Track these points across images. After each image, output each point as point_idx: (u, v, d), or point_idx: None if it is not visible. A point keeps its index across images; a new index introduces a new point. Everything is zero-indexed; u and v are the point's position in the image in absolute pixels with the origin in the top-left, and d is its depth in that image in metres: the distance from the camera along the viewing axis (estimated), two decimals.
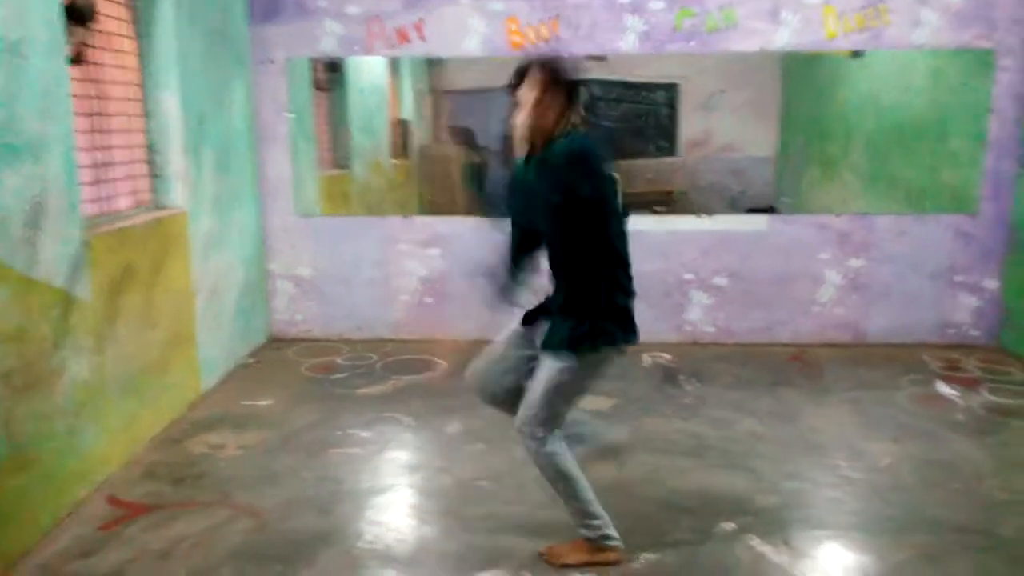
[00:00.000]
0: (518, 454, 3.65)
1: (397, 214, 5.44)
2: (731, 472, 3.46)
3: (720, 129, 6.04)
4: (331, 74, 6.14)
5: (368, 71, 6.27)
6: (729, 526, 2.99)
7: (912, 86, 5.46)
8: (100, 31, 3.71)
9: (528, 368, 2.74)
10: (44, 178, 2.97)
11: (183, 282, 4.22)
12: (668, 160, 6.57)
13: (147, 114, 4.12)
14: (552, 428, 2.65)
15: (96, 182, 3.69)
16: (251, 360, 5.05)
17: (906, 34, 4.98)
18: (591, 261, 2.54)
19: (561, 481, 2.67)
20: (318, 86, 5.92)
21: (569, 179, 2.40)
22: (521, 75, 2.53)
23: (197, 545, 2.91)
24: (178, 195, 4.23)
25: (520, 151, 2.57)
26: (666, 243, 5.22)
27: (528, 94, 2.49)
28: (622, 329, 2.60)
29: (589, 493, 2.70)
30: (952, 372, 4.76)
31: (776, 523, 3.04)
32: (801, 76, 6.58)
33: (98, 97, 3.71)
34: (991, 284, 5.21)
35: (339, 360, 5.08)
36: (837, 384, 4.59)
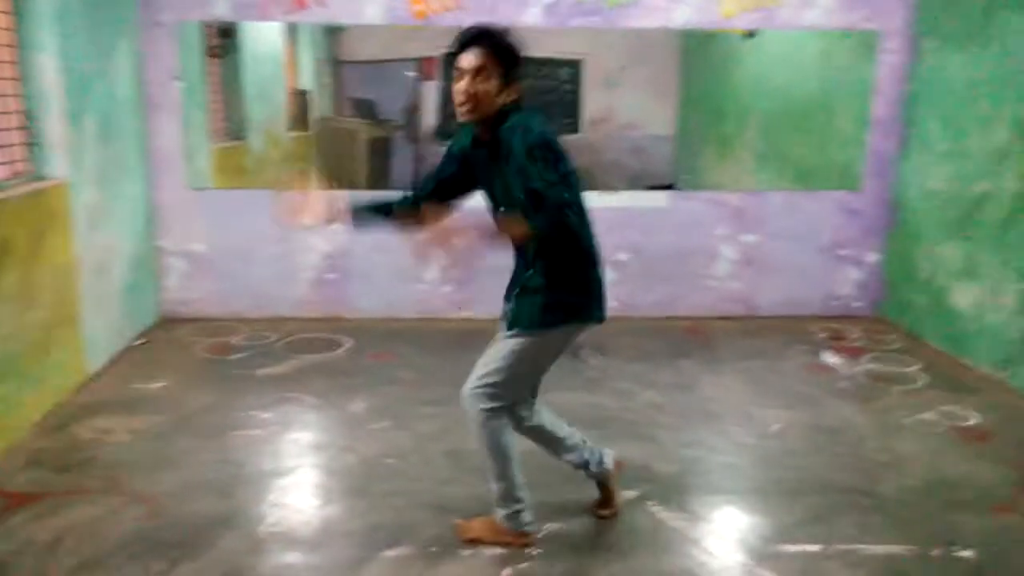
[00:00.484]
0: (423, 430, 3.65)
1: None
2: (633, 442, 3.54)
3: (622, 107, 6.11)
4: (224, 40, 5.86)
5: (264, 38, 6.03)
6: (631, 494, 3.06)
7: (802, 66, 5.66)
8: None
9: None
10: None
11: (65, 258, 3.98)
12: (571, 137, 6.61)
13: (22, 78, 3.84)
14: (504, 401, 2.57)
15: None
16: (141, 341, 4.83)
17: (798, 14, 5.16)
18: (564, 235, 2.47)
19: (499, 458, 2.60)
20: (211, 52, 5.65)
21: (534, 171, 2.29)
22: (464, 42, 2.44)
23: (87, 535, 2.77)
24: (58, 165, 3.97)
25: (464, 118, 2.46)
26: None
27: (471, 61, 2.40)
28: (597, 304, 2.58)
29: (520, 477, 2.66)
30: (837, 342, 5.02)
31: (675, 489, 3.15)
32: (698, 55, 6.71)
33: None
34: (873, 258, 5.50)
35: (237, 340, 4.91)
36: (731, 355, 4.77)
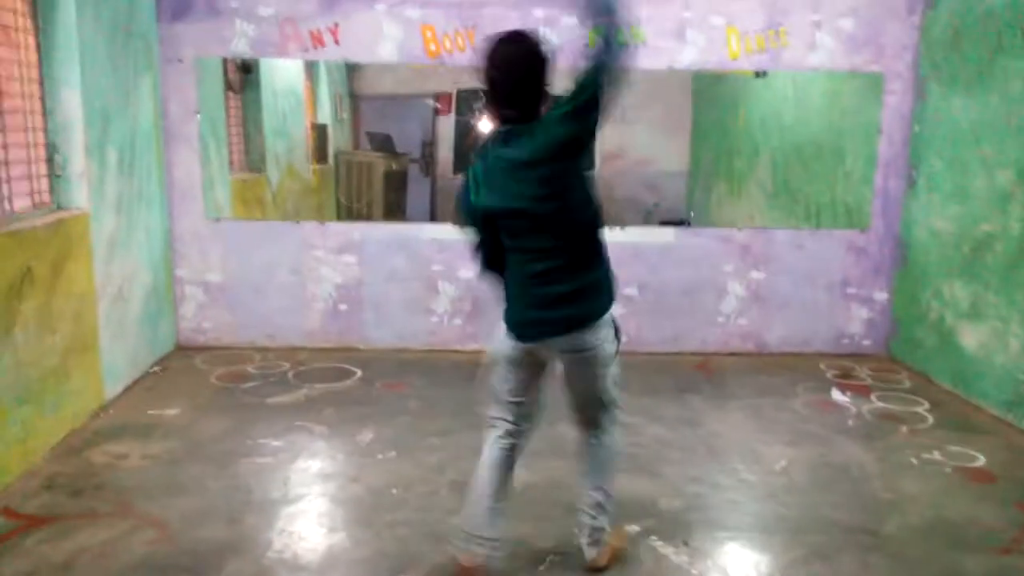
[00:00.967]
0: (430, 461, 3.70)
1: (313, 219, 5.39)
2: (637, 476, 3.57)
3: (635, 143, 6.20)
4: (244, 75, 6.02)
5: (283, 74, 6.18)
6: (633, 528, 3.09)
7: (811, 106, 5.75)
8: None
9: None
10: None
11: (85, 286, 4.08)
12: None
13: (47, 112, 3.98)
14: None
15: None
16: (156, 368, 4.91)
17: (803, 56, 5.25)
18: (596, 231, 2.51)
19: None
20: (230, 87, 5.80)
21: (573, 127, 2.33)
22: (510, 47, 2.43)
23: (98, 557, 2.83)
24: (80, 196, 4.09)
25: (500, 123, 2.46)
26: None
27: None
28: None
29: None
30: (845, 380, 5.03)
31: (678, 525, 3.17)
32: (711, 93, 6.82)
33: None
34: (881, 296, 5.53)
35: (250, 369, 4.99)
36: (739, 391, 4.79)
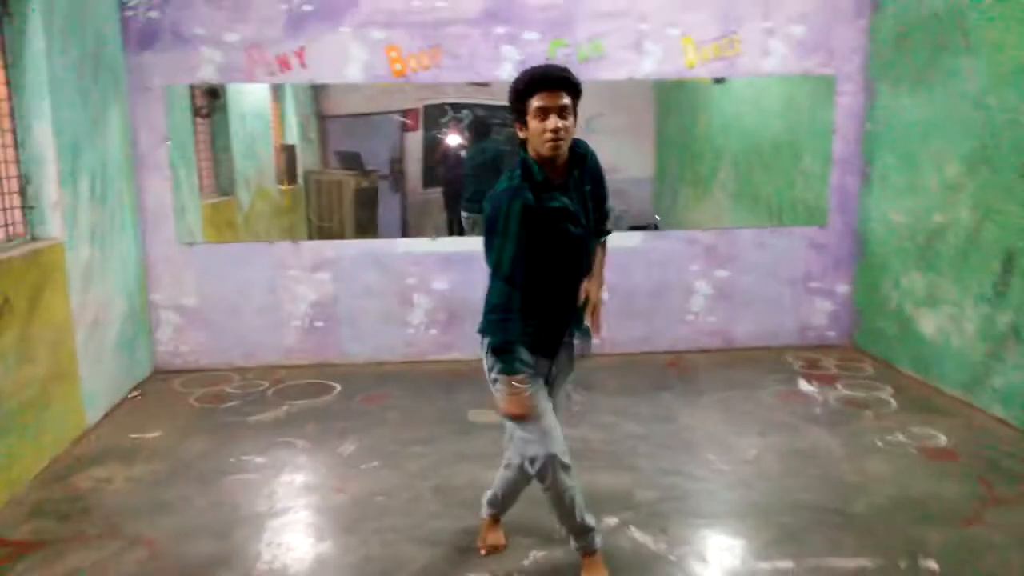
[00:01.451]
0: (412, 468, 3.78)
1: (285, 239, 5.46)
2: (614, 471, 3.68)
3: (601, 152, 6.35)
4: (212, 100, 6.09)
5: (250, 97, 6.26)
6: (612, 520, 3.20)
7: (769, 110, 5.94)
8: None
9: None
10: None
11: (62, 315, 4.12)
12: None
13: (19, 144, 4.03)
14: None
15: None
16: (135, 393, 4.94)
17: (757, 62, 5.44)
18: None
19: None
20: (198, 113, 5.87)
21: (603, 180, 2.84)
22: (552, 83, 2.53)
23: None
24: (54, 226, 4.14)
25: (552, 153, 2.55)
26: None
27: (563, 99, 2.52)
28: None
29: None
30: (811, 370, 5.19)
31: (655, 515, 3.28)
32: (673, 101, 7.00)
33: None
34: (843, 289, 5.71)
35: (229, 389, 5.04)
36: (710, 386, 4.93)
